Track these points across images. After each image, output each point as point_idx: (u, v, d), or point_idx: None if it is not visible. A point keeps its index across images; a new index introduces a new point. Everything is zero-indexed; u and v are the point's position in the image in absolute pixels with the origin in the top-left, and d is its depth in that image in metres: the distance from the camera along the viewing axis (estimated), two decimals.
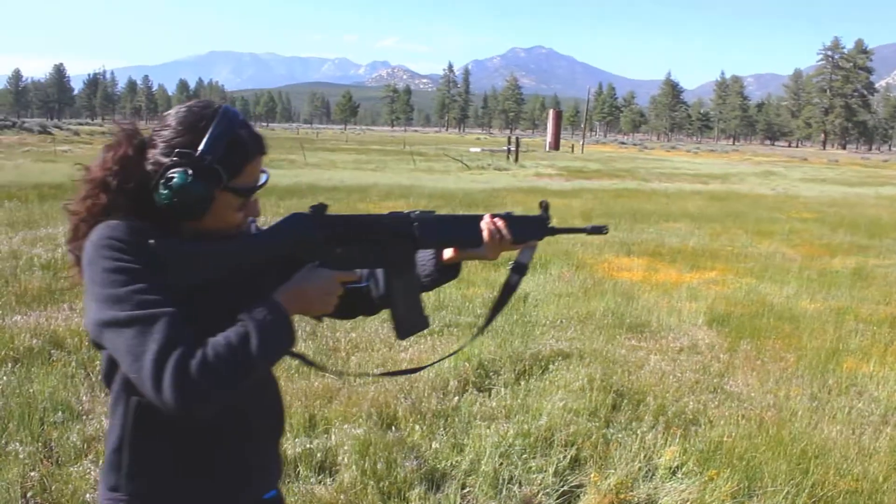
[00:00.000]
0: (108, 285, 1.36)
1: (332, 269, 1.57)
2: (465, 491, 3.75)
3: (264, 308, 1.43)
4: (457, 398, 4.85)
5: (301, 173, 25.69)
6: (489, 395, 4.94)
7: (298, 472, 3.84)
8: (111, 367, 1.51)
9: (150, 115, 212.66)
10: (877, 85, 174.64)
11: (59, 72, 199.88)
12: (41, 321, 6.13)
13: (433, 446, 4.15)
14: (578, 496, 3.73)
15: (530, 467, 3.95)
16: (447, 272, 1.84)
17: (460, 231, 1.77)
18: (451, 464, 3.97)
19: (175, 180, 1.43)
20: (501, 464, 3.95)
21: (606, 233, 1.94)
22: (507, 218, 1.80)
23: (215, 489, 1.59)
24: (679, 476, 3.93)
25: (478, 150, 55.32)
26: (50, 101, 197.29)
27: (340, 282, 1.58)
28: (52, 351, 5.44)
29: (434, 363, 2.14)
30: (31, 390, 4.62)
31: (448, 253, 1.81)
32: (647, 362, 5.84)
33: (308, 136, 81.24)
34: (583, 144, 67.68)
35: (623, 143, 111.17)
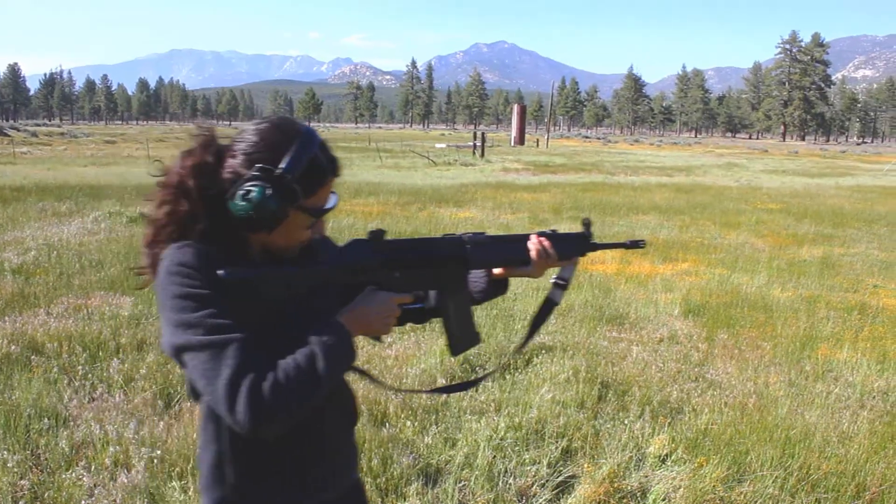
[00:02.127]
0: (179, 311, 1.41)
1: (390, 291, 1.63)
2: (460, 485, 3.78)
3: (330, 330, 1.49)
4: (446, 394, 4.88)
5: None
6: (477, 390, 4.97)
7: None
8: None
9: (110, 115, 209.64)
10: (833, 77, 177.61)
11: (14, 71, 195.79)
12: (17, 326, 6.04)
13: (426, 441, 4.17)
14: (573, 486, 3.78)
15: (524, 460, 3.99)
16: (498, 287, 1.92)
17: (509, 252, 1.86)
18: (446, 458, 4.00)
19: (253, 194, 1.45)
20: (495, 457, 3.99)
21: (644, 247, 2.09)
22: (552, 237, 1.90)
23: (310, 484, 1.67)
24: (669, 464, 4.00)
25: (443, 145, 55.27)
26: (4, 101, 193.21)
27: (398, 304, 1.64)
28: (32, 357, 5.36)
29: (484, 377, 2.08)
30: (13, 397, 4.56)
31: (497, 269, 1.89)
32: (629, 353, 5.92)
33: None
34: (547, 139, 68.01)
35: (587, 136, 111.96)
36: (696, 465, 3.90)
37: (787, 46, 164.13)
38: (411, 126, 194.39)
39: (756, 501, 3.63)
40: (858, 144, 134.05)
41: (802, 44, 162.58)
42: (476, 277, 1.89)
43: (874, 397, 5.21)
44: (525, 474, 3.87)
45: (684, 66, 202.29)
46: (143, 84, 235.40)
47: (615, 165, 37.84)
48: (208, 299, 1.41)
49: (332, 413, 1.71)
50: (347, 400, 1.80)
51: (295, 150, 1.49)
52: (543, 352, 5.78)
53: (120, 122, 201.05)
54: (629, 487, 3.74)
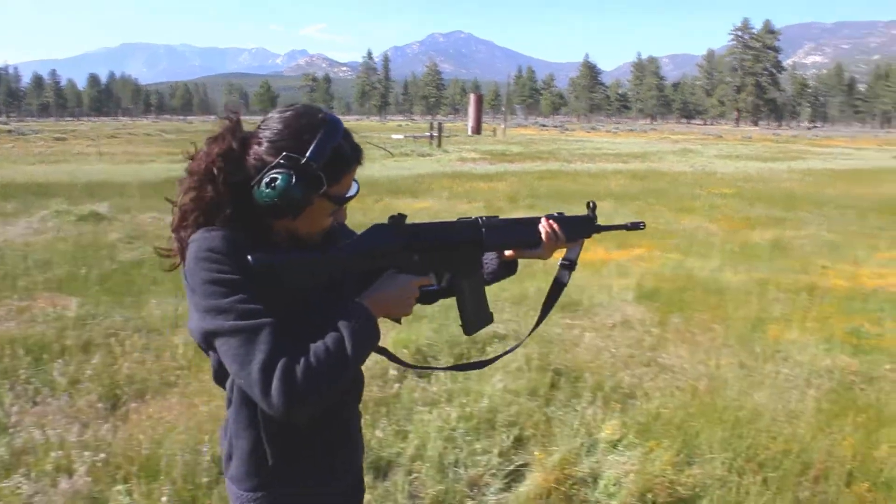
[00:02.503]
0: (209, 296, 1.43)
1: (409, 274, 1.66)
2: (412, 477, 3.75)
3: (356, 314, 1.51)
4: (397, 385, 4.85)
5: None
6: (429, 381, 4.94)
7: None
8: (221, 369, 1.58)
9: (60, 111, 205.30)
10: (784, 63, 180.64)
11: None
12: None
13: (377, 435, 4.13)
14: (524, 475, 3.77)
15: (475, 450, 3.97)
16: (508, 268, 1.99)
17: (521, 234, 1.92)
18: (397, 451, 3.96)
19: (279, 182, 1.47)
20: (446, 448, 3.97)
21: (643, 228, 2.21)
22: (560, 219, 1.97)
23: (338, 467, 1.74)
24: (620, 449, 4.01)
25: (400, 136, 55.06)
26: None
27: (418, 286, 1.68)
28: None
29: (500, 356, 2.14)
30: None
31: (508, 251, 1.95)
32: (582, 340, 5.94)
33: None
34: (504, 128, 68.13)
35: (544, 125, 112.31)
36: (646, 449, 3.92)
37: (740, 33, 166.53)
38: (368, 118, 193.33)
39: (705, 483, 3.65)
40: (809, 129, 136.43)
41: (754, 30, 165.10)
42: (488, 259, 1.95)
43: (821, 376, 5.29)
44: (476, 464, 3.85)
45: (639, 54, 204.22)
46: (93, 79, 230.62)
47: (572, 153, 38.01)
48: (238, 284, 1.43)
49: (350, 397, 1.78)
50: (360, 384, 1.85)
51: (320, 139, 1.51)
52: (497, 340, 5.77)
53: (71, 119, 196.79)
54: (580, 474, 3.74)
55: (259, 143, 1.53)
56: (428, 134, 47.41)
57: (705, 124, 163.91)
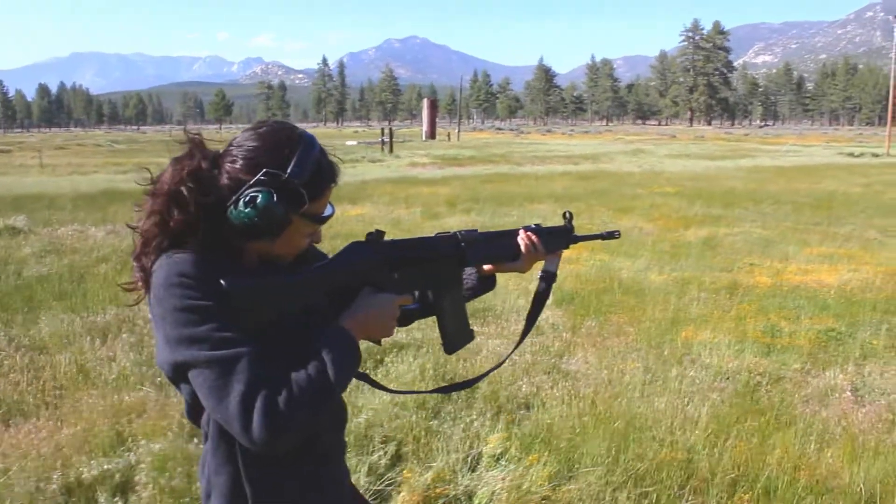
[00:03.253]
0: (181, 325, 1.34)
1: (389, 293, 1.57)
2: None
3: (336, 338, 1.43)
4: None
5: None
6: None
7: (96, 497, 3.51)
8: (196, 403, 1.46)
9: (8, 123, 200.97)
10: (735, 63, 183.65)
11: None
12: None
13: None
14: (391, 495, 3.54)
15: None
16: (486, 283, 1.92)
17: (501, 247, 1.87)
18: None
19: (259, 200, 1.39)
20: None
21: (619, 237, 2.16)
22: (539, 231, 1.93)
23: (329, 494, 1.62)
24: (503, 463, 3.80)
25: (354, 142, 54.80)
26: None
27: (399, 305, 1.58)
28: None
29: (486, 374, 2.01)
30: None
31: (487, 265, 1.88)
32: (484, 347, 5.72)
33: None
34: (458, 132, 68.09)
35: (500, 128, 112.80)
36: (527, 463, 3.71)
37: (690, 34, 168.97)
38: (325, 124, 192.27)
39: (581, 499, 3.45)
40: (761, 127, 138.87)
41: (704, 31, 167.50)
42: (467, 274, 1.89)
43: (727, 378, 5.15)
44: None
45: (593, 56, 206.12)
46: (43, 89, 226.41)
47: (524, 156, 38.04)
48: (212, 311, 1.34)
49: (333, 425, 1.67)
50: (342, 412, 1.74)
51: (300, 154, 1.44)
52: (396, 350, 5.54)
53: (20, 130, 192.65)
54: (452, 493, 3.52)
55: (233, 161, 1.45)
56: (379, 140, 47.15)
57: (660, 125, 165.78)
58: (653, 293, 7.59)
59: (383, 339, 1.62)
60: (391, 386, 4.76)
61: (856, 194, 18.49)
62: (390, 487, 3.59)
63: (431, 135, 66.17)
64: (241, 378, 1.30)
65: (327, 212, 1.56)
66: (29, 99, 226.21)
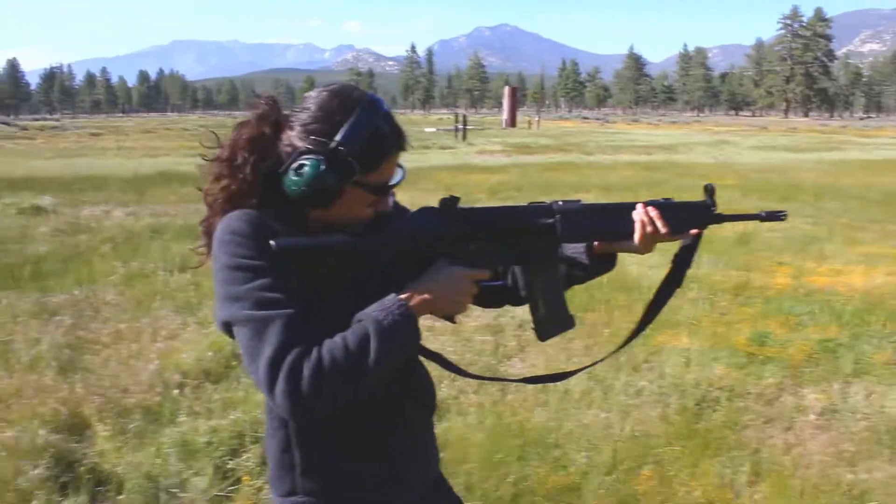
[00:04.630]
0: (227, 283, 1.32)
1: (465, 266, 1.44)
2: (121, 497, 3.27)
3: (387, 308, 1.33)
4: (176, 391, 4.35)
5: None
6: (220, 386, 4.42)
7: None
8: None
9: (110, 108, 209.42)
10: (839, 52, 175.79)
11: (13, 67, 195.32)
12: None
13: (105, 447, 3.64)
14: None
15: (189, 473, 3.42)
16: (602, 263, 1.69)
17: (607, 223, 1.61)
18: (124, 466, 3.47)
19: (306, 168, 1.35)
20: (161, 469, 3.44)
21: (784, 219, 1.76)
22: (663, 206, 1.64)
23: (385, 472, 1.53)
24: None
25: (433, 129, 54.67)
26: (4, 97, 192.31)
27: (473, 280, 1.44)
28: None
29: (582, 369, 1.83)
30: None
31: (596, 243, 1.67)
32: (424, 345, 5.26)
33: None
34: (538, 120, 67.19)
35: (586, 117, 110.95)
36: None
37: (788, 22, 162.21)
38: (413, 111, 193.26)
39: None
40: (861, 119, 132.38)
41: (804, 19, 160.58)
42: (576, 252, 1.67)
43: (682, 391, 4.57)
44: (195, 488, 3.32)
45: (685, 45, 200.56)
46: (143, 76, 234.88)
47: (600, 145, 37.08)
48: (258, 270, 1.31)
49: (405, 394, 1.56)
50: (422, 380, 1.64)
51: (353, 121, 1.37)
52: None
53: (121, 115, 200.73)
54: None
55: (291, 127, 1.42)
56: (453, 127, 46.82)
57: (753, 116, 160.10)
58: (648, 291, 6.97)
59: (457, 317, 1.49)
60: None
61: None
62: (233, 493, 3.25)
63: (511, 123, 65.50)
64: (272, 340, 1.25)
65: (396, 178, 1.47)
66: (129, 85, 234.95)
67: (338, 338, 1.29)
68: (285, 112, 1.45)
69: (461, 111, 70.11)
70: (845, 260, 8.86)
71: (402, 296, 1.36)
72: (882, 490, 3.40)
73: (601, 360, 1.85)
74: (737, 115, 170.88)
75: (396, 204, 1.59)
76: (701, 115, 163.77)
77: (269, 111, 1.44)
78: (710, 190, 1.70)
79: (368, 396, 1.37)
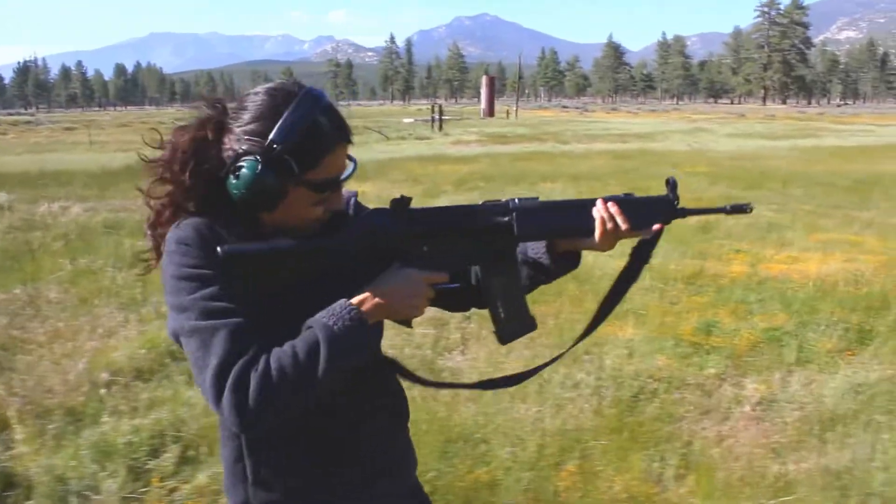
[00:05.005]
0: (174, 293, 1.29)
1: (419, 268, 1.40)
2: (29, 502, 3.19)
3: (337, 314, 1.29)
4: (103, 390, 4.25)
5: None
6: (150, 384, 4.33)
7: None
8: None
9: (87, 101, 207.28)
10: (816, 40, 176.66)
11: None
12: None
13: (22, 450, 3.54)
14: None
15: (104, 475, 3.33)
16: (564, 263, 1.62)
17: (566, 220, 1.55)
18: (38, 469, 3.38)
19: (244, 170, 1.31)
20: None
21: (750, 212, 1.69)
22: (623, 201, 1.57)
23: (356, 478, 1.49)
24: None
25: (411, 120, 54.49)
26: None
27: (429, 283, 1.40)
28: None
29: (541, 368, 1.71)
30: None
31: (559, 241, 1.61)
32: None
33: None
34: (516, 110, 67.09)
35: (566, 106, 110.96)
36: None
37: (766, 9, 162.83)
38: (392, 102, 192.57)
39: None
40: (839, 106, 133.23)
41: (781, 7, 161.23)
42: (538, 252, 1.61)
43: (619, 383, 4.51)
44: (107, 491, 3.23)
45: (664, 34, 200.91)
46: (120, 69, 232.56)
47: (576, 134, 37.06)
48: (205, 279, 1.28)
49: (369, 397, 1.50)
50: (388, 384, 1.58)
51: (286, 117, 1.31)
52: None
53: (97, 109, 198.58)
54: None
55: (230, 130, 1.37)
56: (429, 118, 46.70)
57: (732, 103, 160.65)
58: (604, 281, 6.93)
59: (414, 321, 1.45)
60: None
61: None
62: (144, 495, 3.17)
63: (490, 112, 65.39)
64: (217, 351, 1.22)
65: (346, 173, 1.41)
66: (106, 78, 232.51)
67: (287, 346, 1.26)
68: (231, 113, 1.40)
69: (441, 102, 70.10)
70: (803, 247, 8.85)
71: (354, 300, 1.32)
72: (808, 482, 3.36)
73: (555, 360, 1.75)
74: (716, 102, 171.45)
75: (358, 204, 1.55)
76: (680, 103, 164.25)
77: (212, 114, 1.39)
78: (672, 184, 1.63)
79: (337, 402, 1.37)
